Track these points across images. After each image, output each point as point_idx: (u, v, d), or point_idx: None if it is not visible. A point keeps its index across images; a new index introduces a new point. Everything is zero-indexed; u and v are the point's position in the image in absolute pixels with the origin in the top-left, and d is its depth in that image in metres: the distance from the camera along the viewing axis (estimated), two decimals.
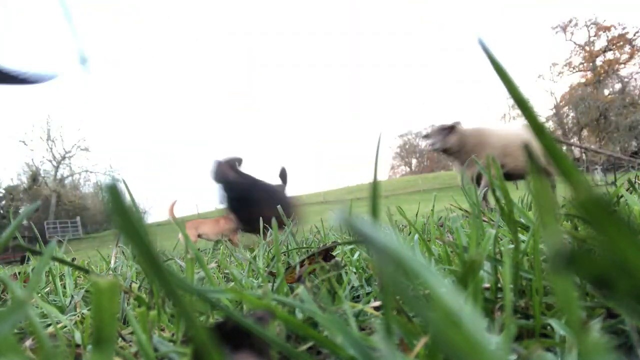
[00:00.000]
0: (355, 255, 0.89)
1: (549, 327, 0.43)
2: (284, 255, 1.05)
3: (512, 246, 0.51)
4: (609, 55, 34.28)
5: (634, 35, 32.58)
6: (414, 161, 61.16)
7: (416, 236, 0.71)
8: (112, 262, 1.36)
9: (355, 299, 0.68)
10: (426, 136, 4.36)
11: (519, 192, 2.07)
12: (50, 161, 35.17)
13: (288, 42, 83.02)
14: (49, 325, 0.64)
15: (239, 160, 4.28)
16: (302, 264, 0.70)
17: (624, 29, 33.12)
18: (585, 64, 35.62)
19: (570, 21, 35.58)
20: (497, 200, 0.53)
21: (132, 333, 0.57)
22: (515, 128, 4.54)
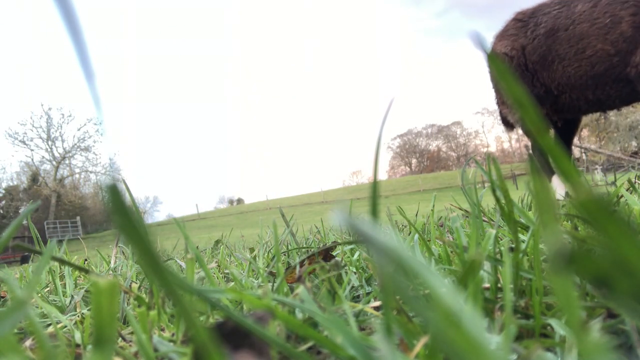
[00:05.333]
0: (355, 255, 0.89)
1: (549, 327, 0.43)
2: (284, 255, 1.05)
3: (512, 246, 0.51)
4: None
5: None
6: (414, 161, 61.20)
7: (416, 236, 0.71)
8: (112, 262, 1.36)
9: (355, 299, 0.68)
10: None
11: (519, 192, 2.07)
12: (50, 161, 35.15)
13: (301, 42, 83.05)
14: (49, 325, 0.64)
15: None
16: (302, 264, 0.70)
17: None
18: None
19: None
20: (497, 200, 0.53)
21: (132, 333, 0.57)
22: None
